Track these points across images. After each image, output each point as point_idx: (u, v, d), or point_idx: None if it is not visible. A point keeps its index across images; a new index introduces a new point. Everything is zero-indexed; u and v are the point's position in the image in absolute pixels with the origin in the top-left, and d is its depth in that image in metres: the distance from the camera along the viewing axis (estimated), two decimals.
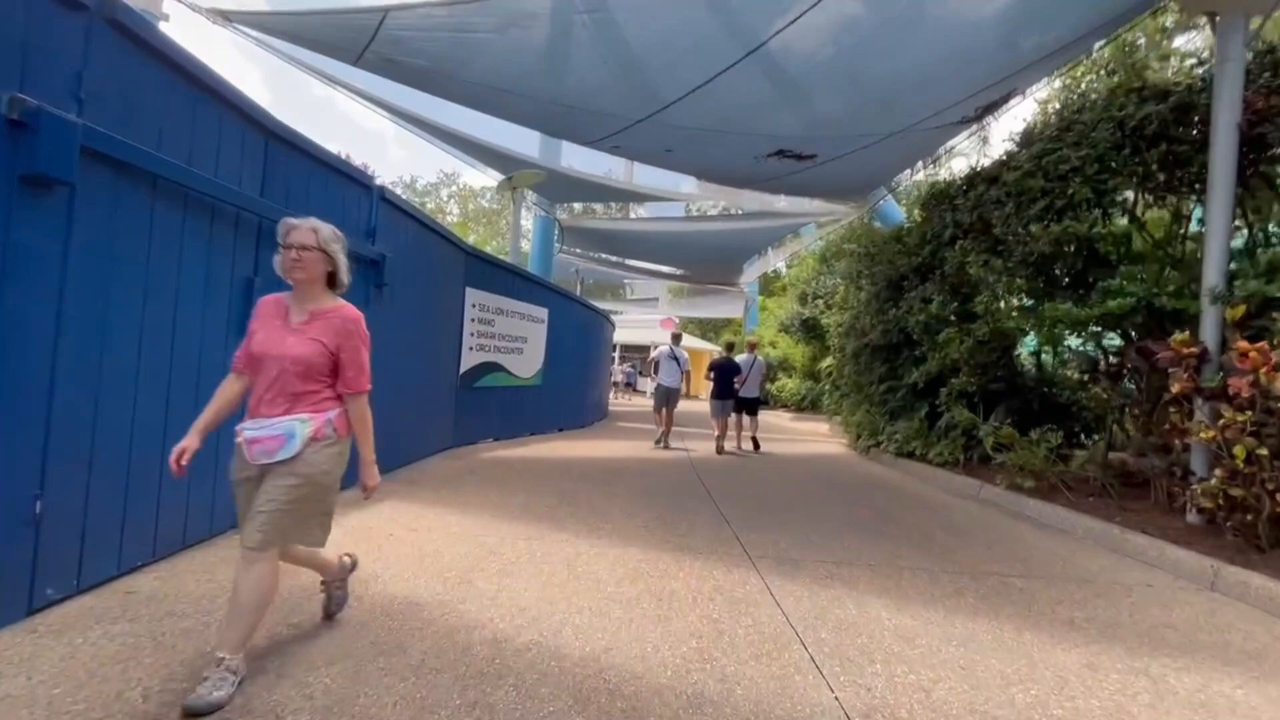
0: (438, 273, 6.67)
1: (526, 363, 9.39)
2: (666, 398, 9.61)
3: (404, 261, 5.62)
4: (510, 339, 8.83)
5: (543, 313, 9.84)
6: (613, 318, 17.17)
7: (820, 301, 18.30)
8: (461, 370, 7.60)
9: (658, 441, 9.40)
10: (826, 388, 15.09)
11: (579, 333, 11.76)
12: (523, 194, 10.65)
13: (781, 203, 17.27)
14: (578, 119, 7.97)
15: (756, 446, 9.69)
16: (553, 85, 7.13)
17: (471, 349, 7.80)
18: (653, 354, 10.57)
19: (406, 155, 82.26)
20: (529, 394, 9.61)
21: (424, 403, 6.41)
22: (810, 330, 18.91)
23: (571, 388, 11.41)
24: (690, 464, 7.87)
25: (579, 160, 13.58)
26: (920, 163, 14.77)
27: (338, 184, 4.51)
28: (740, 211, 16.14)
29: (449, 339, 7.22)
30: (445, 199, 40.17)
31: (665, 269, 27.10)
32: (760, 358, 9.98)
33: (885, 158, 9.58)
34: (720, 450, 9.12)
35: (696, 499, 5.64)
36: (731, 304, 30.09)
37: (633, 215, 19.90)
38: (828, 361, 14.92)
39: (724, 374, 9.32)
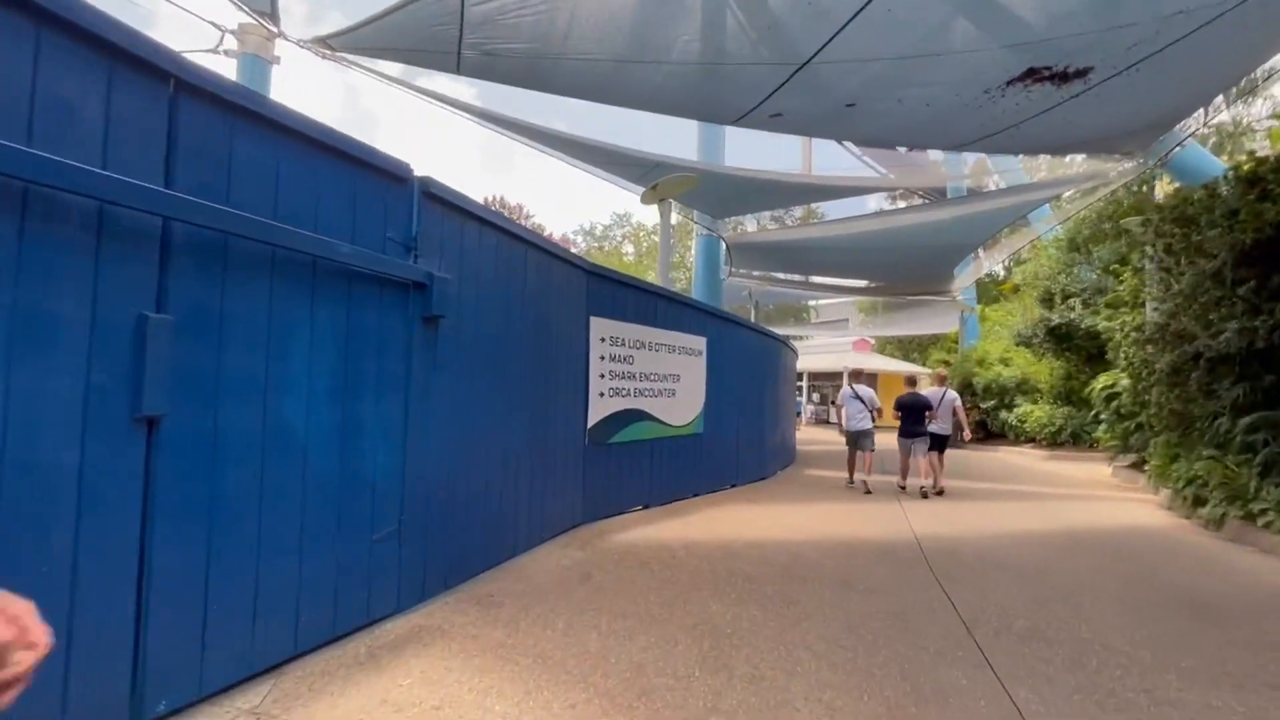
0: (542, 298, 5.11)
1: (681, 407, 7.48)
2: (857, 441, 8.98)
3: (479, 285, 4.09)
4: (656, 378, 7.01)
5: (699, 343, 7.91)
6: (797, 344, 14.76)
7: (1075, 301, 13.84)
8: (590, 424, 5.93)
9: (850, 483, 9.04)
10: (1106, 416, 10.90)
11: (749, 364, 9.60)
12: (669, 205, 8.98)
13: (1000, 180, 13.47)
14: (720, 86, 6.06)
15: (939, 489, 8.56)
16: (674, 37, 5.31)
17: (603, 395, 6.12)
18: (837, 398, 10.08)
19: (584, 199, 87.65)
20: (686, 446, 7.66)
21: (527, 474, 4.78)
22: (1062, 340, 14.40)
23: (743, 433, 9.23)
24: (919, 549, 5.22)
25: (744, 157, 11.64)
26: (1222, 95, 10.37)
27: (335, 170, 3.07)
28: (950, 195, 12.78)
29: (567, 385, 5.60)
30: (620, 239, 40.87)
31: (856, 283, 23.70)
32: (952, 390, 9.18)
33: (1186, 71, 6.12)
34: (903, 488, 8.67)
35: (948, 647, 3.14)
36: (941, 317, 25.47)
37: (813, 221, 17.19)
38: (1103, 381, 10.80)
39: (911, 411, 8.73)
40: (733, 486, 8.90)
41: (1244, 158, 6.52)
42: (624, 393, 6.44)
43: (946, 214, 13.02)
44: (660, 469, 7.12)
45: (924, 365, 29.39)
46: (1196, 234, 6.63)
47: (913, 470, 8.68)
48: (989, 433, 17.61)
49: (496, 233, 4.39)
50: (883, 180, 11.19)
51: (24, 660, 0.60)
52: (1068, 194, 16.41)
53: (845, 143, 21.83)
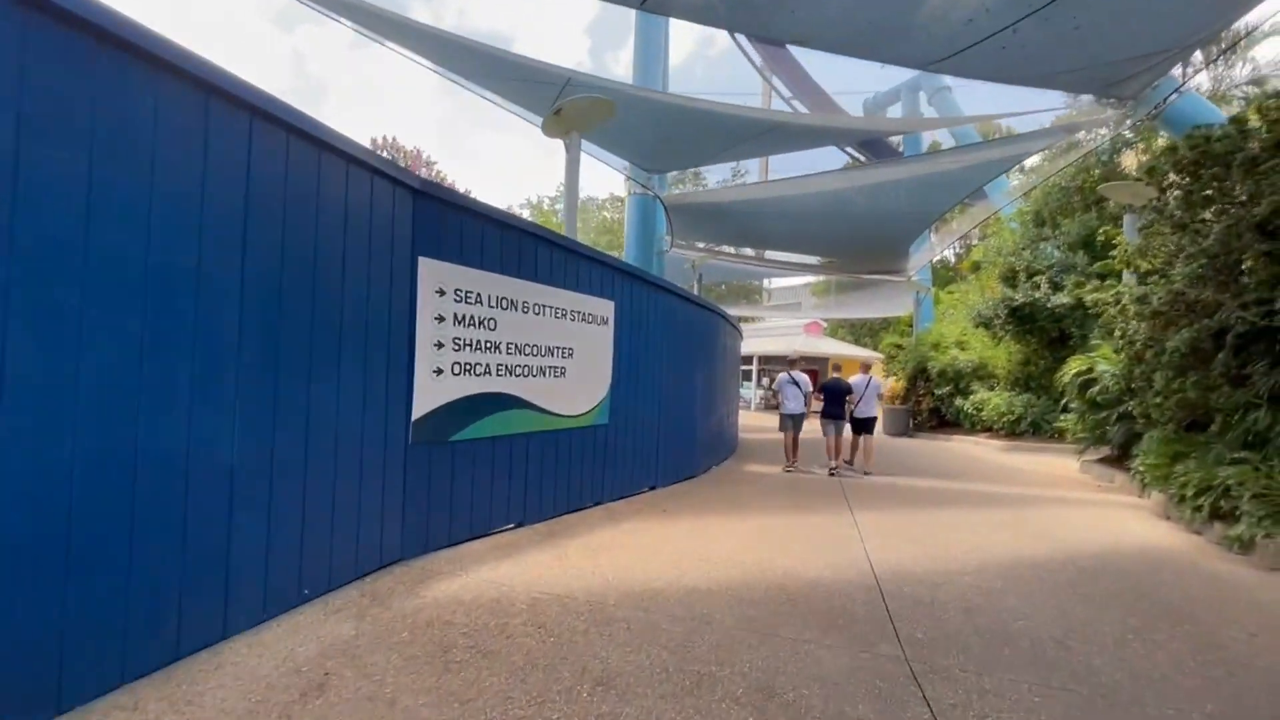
0: (308, 219, 3.20)
1: (575, 390, 5.68)
2: (791, 424, 9.50)
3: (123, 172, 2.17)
4: (536, 351, 5.18)
5: (603, 308, 6.10)
6: (749, 326, 13.28)
7: (1040, 279, 12.63)
8: (418, 413, 4.07)
9: (787, 468, 9.32)
10: (1077, 406, 9.67)
11: (678, 339, 7.87)
12: (577, 140, 7.09)
13: (951, 140, 12.12)
14: None
15: (850, 463, 9.47)
16: None
17: (440, 372, 4.25)
18: (774, 384, 10.45)
19: (537, 179, 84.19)
20: (584, 441, 5.88)
21: (254, 494, 2.90)
22: (1024, 321, 13.24)
23: (667, 423, 7.52)
24: (882, 601, 3.58)
25: (686, 82, 9.78)
26: (1201, 52, 9.13)
27: None
28: (902, 148, 11.33)
29: (370, 358, 3.71)
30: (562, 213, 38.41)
31: (809, 260, 22.34)
32: (876, 378, 9.79)
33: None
34: (832, 472, 8.99)
35: None
36: (895, 299, 24.45)
37: (763, 181, 15.33)
38: (1075, 366, 9.54)
39: (833, 394, 9.41)
40: (652, 489, 7.19)
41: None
42: (479, 370, 4.58)
43: (906, 172, 11.55)
44: (542, 473, 5.31)
45: (876, 349, 28.49)
46: (1227, 178, 5.19)
47: (834, 449, 9.20)
48: (943, 421, 16.53)
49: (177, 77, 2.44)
50: (854, 122, 9.59)
51: None
52: (1032, 160, 15.26)
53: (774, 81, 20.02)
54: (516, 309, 4.94)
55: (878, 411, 9.57)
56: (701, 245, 18.11)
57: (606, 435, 6.23)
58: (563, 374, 5.51)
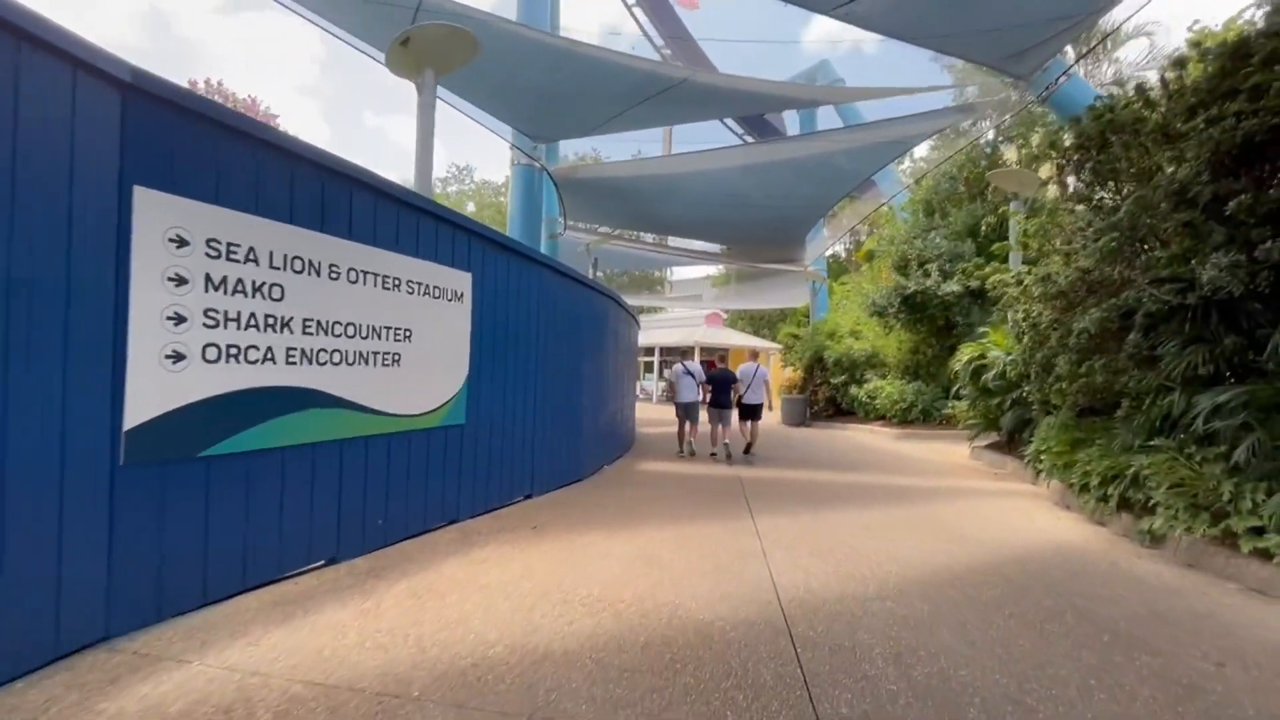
0: None
1: (413, 384, 4.46)
2: (686, 412, 9.91)
3: None
4: (353, 334, 3.92)
5: (456, 280, 4.90)
6: (650, 317, 12.54)
7: (931, 267, 12.73)
8: (139, 418, 2.74)
9: (681, 452, 9.81)
10: (968, 393, 9.61)
11: (560, 323, 6.80)
12: (431, 80, 5.79)
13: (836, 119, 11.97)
14: None
15: (749, 449, 9.73)
16: None
17: (182, 358, 2.94)
18: (669, 374, 10.97)
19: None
20: (429, 447, 4.68)
21: None
22: (916, 309, 13.35)
23: (546, 421, 6.44)
24: (792, 647, 2.73)
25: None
26: (1071, 47, 9.23)
27: None
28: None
29: (29, 336, 2.36)
30: (456, 196, 36.08)
31: (709, 248, 21.98)
32: (763, 367, 10.08)
33: None
34: (714, 454, 9.36)
35: None
36: (792, 289, 24.73)
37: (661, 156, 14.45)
38: (968, 352, 9.46)
39: (720, 384, 9.62)
40: (527, 498, 6.10)
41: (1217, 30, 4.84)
42: (256, 355, 3.28)
43: (804, 150, 11.14)
44: (366, 491, 4.08)
45: (775, 339, 28.86)
46: (1134, 147, 4.88)
47: (721, 435, 9.46)
48: (839, 410, 16.60)
49: None
50: (765, 86, 8.89)
51: None
52: (921, 150, 15.54)
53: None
54: (320, 275, 3.67)
55: (764, 398, 9.78)
56: (601, 230, 17.10)
57: (463, 438, 5.06)
58: (396, 362, 4.28)
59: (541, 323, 6.34)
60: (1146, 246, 4.82)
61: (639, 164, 10.98)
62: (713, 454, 9.35)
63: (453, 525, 4.96)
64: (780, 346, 23.25)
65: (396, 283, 4.26)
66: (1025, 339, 6.17)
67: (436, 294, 4.67)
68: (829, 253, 23.72)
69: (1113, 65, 13.20)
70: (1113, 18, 9.26)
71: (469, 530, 4.82)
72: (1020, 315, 6.30)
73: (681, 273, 40.43)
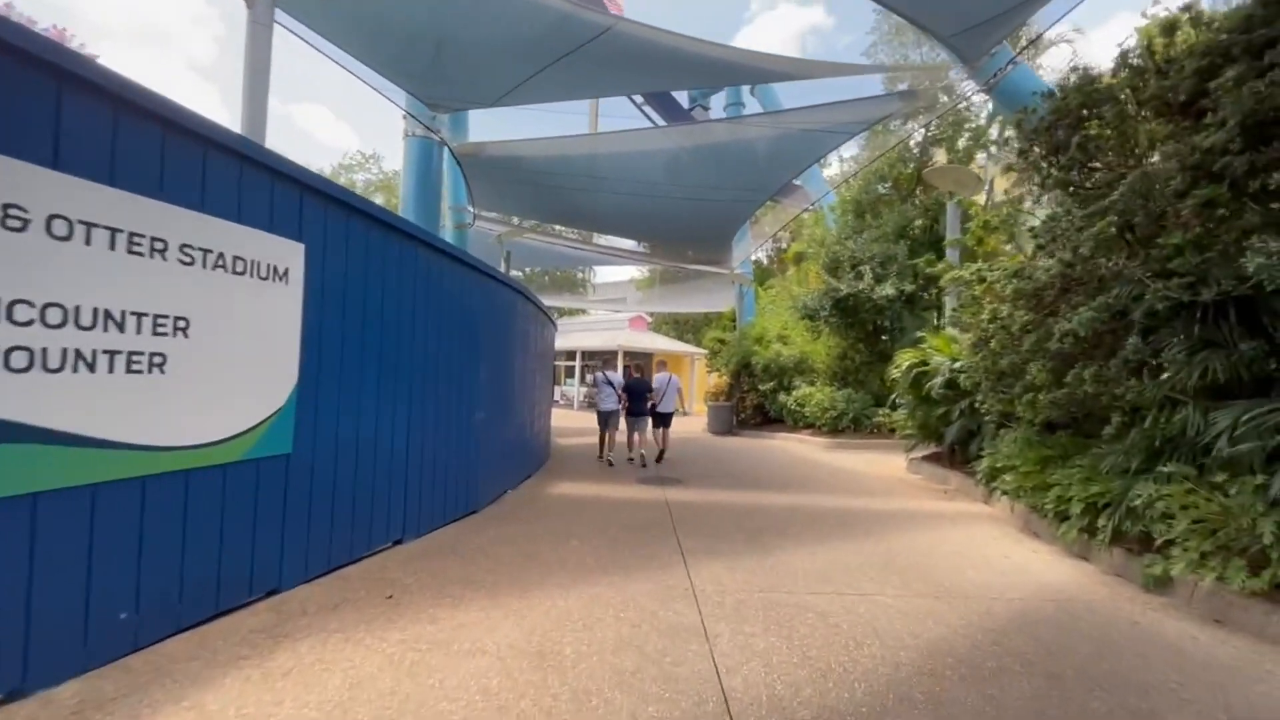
0: None
1: (188, 398, 2.98)
2: (606, 421, 9.94)
3: None
4: (61, 321, 2.43)
5: (278, 252, 3.45)
6: (571, 320, 11.44)
7: (865, 269, 12.20)
8: None
9: (600, 457, 9.93)
10: (906, 401, 8.98)
11: (448, 319, 5.41)
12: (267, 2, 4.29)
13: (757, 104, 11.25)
14: None
15: (661, 457, 9.88)
16: None
17: None
18: (589, 380, 11.87)
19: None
20: (219, 489, 3.20)
21: None
22: (848, 313, 12.80)
23: (425, 442, 5.04)
24: None
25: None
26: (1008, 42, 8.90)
27: None
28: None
29: None
30: (364, 187, 33.22)
31: (632, 246, 20.92)
32: (675, 376, 10.23)
33: None
34: (632, 460, 9.65)
35: None
36: (718, 293, 24.10)
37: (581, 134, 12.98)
38: (909, 358, 8.81)
39: (636, 393, 9.78)
40: (397, 543, 4.68)
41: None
42: None
43: (728, 134, 10.25)
44: (94, 571, 2.58)
45: (700, 344, 28.23)
46: (1132, 122, 4.15)
47: (633, 443, 9.77)
48: (767, 418, 15.92)
49: None
50: (728, 54, 7.81)
51: None
52: (849, 149, 15.15)
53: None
54: None
55: (676, 406, 10.17)
56: (515, 222, 15.63)
57: (289, 473, 3.60)
58: (158, 367, 2.80)
59: (421, 316, 4.94)
60: (1138, 235, 4.10)
61: (553, 144, 9.71)
62: (630, 459, 9.70)
63: (273, 596, 3.50)
64: (705, 352, 22.55)
65: (160, 247, 2.79)
66: (993, 342, 5.40)
67: (239, 269, 3.21)
68: (752, 257, 23.30)
69: (1039, 71, 13.35)
70: (1041, 16, 8.89)
71: (290, 607, 3.38)
72: (986, 316, 5.56)
73: (605, 274, 39.32)
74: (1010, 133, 5.47)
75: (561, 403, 26.93)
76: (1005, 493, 5.93)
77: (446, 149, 9.70)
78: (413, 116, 9.00)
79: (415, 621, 3.24)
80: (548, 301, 17.33)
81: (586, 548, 4.78)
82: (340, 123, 77.65)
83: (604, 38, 6.41)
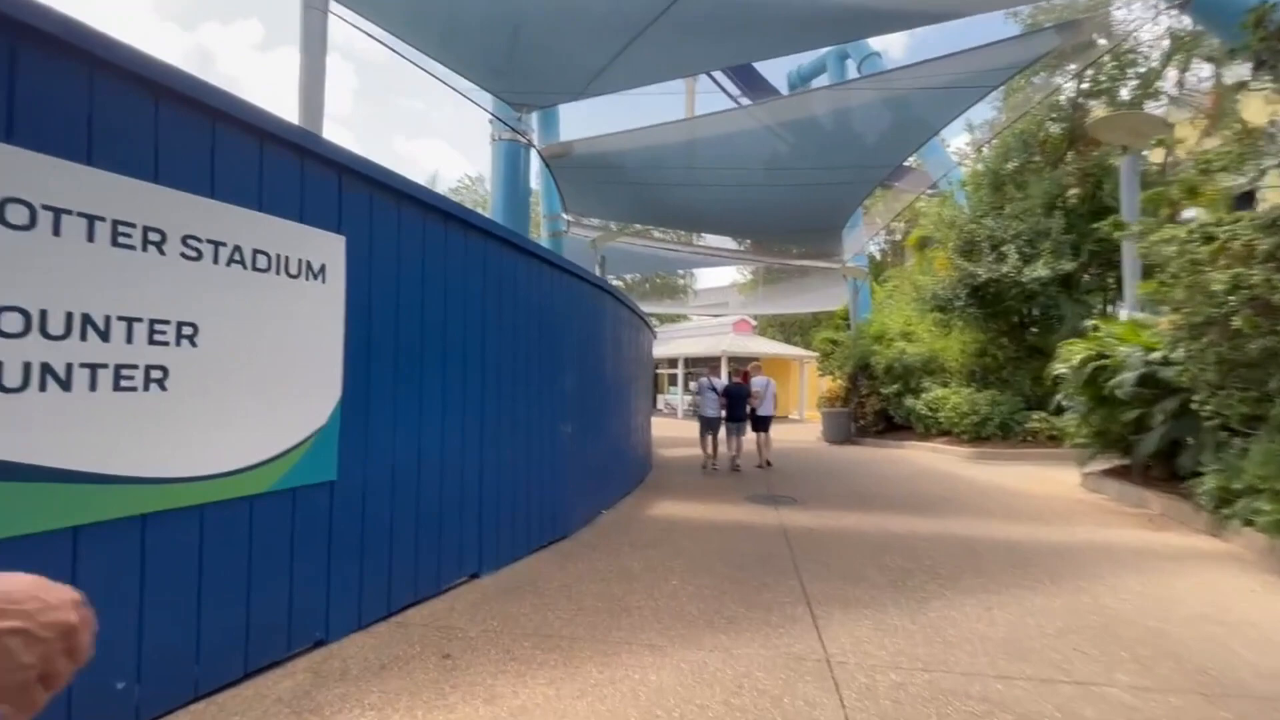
0: None
1: (197, 419, 2.49)
2: (709, 427, 9.70)
3: None
4: (22, 328, 1.98)
5: (311, 245, 2.95)
6: (678, 326, 11.30)
7: (1009, 249, 10.41)
8: None
9: (705, 466, 9.64)
10: (1077, 403, 7.33)
11: (528, 323, 4.83)
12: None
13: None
14: None
15: (766, 463, 9.79)
16: None
17: None
18: (693, 388, 11.60)
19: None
20: (244, 527, 2.70)
21: None
22: (989, 303, 11.02)
23: (504, 462, 4.45)
24: None
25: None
26: None
27: None
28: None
29: None
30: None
31: (732, 246, 19.89)
32: (772, 380, 10.23)
33: None
34: (734, 467, 9.48)
35: None
36: (826, 291, 22.48)
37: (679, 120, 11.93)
38: (1080, 350, 7.19)
39: (735, 398, 9.64)
40: (473, 578, 4.11)
41: None
42: None
43: (847, 102, 9.03)
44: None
45: (809, 347, 26.55)
46: None
47: (737, 449, 9.63)
48: (892, 424, 14.25)
49: None
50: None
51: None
52: (980, 112, 13.32)
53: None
54: None
55: (774, 410, 10.17)
56: (610, 227, 15.21)
57: (333, 503, 3.08)
58: (158, 383, 2.32)
59: (492, 318, 4.36)
60: None
61: (644, 135, 9.04)
62: (732, 467, 9.54)
63: (319, 649, 2.98)
64: (816, 354, 20.98)
65: (155, 239, 2.32)
66: (1237, 319, 3.93)
67: (261, 265, 2.71)
68: (866, 244, 21.43)
69: None
70: None
71: (330, 666, 2.82)
72: (1222, 286, 4.06)
73: (705, 280, 38.39)
74: (1199, 73, 4.00)
75: (665, 412, 26.30)
76: (1252, 523, 4.37)
77: (534, 150, 9.34)
78: (498, 119, 8.69)
79: (469, 698, 2.55)
80: (648, 308, 16.77)
81: (688, 589, 3.93)
82: (454, 152, 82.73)
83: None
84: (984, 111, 14.07)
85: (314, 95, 3.88)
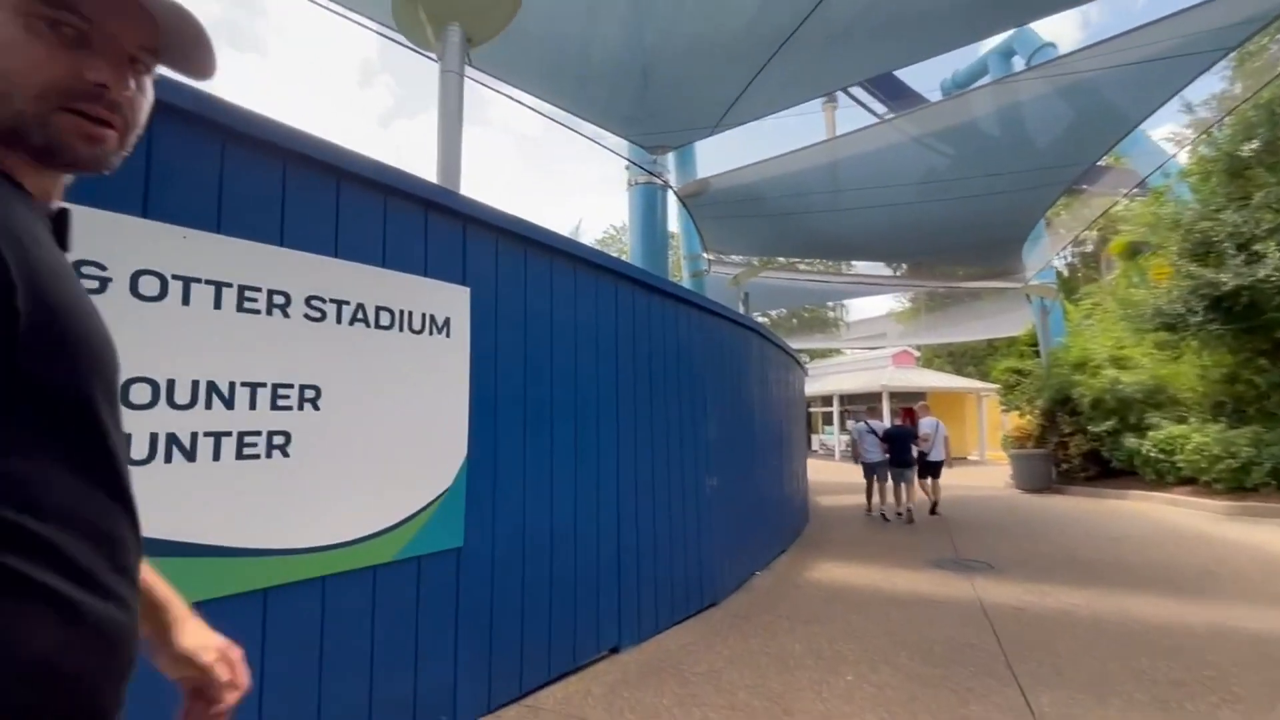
0: None
1: (321, 486, 2.37)
2: (873, 473, 9.24)
3: None
4: (151, 399, 1.96)
5: (436, 299, 2.84)
6: (830, 361, 10.85)
7: (1269, 245, 8.19)
8: None
9: (869, 511, 9.20)
10: None
11: (664, 367, 4.48)
12: (457, 43, 4.07)
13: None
14: None
15: (934, 509, 9.07)
16: None
17: None
18: (850, 429, 11.02)
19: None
20: (367, 600, 2.53)
21: None
22: (1238, 317, 8.73)
23: (638, 524, 4.07)
24: None
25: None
26: None
27: None
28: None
29: None
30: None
31: (885, 273, 18.35)
32: (941, 423, 9.43)
33: None
34: (906, 518, 8.58)
35: None
36: (1003, 315, 19.88)
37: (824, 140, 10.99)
38: None
39: (899, 440, 8.98)
40: (613, 652, 3.72)
41: None
42: None
43: (1030, 92, 7.81)
44: None
45: (983, 378, 23.53)
46: None
47: (904, 498, 8.78)
48: (1106, 469, 11.81)
49: None
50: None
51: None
52: (1200, 88, 11.04)
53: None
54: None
55: (945, 455, 9.42)
56: (751, 262, 14.70)
57: (461, 572, 2.86)
58: (280, 449, 2.24)
59: (625, 364, 4.06)
60: None
61: (783, 162, 8.51)
62: (897, 514, 8.82)
63: None
64: (995, 387, 18.42)
65: (280, 302, 2.28)
66: None
67: (385, 322, 2.62)
68: (1056, 256, 18.69)
69: None
70: None
71: None
72: None
73: (858, 311, 36.09)
74: None
75: (820, 453, 24.65)
76: None
77: (670, 192, 9.22)
78: (633, 163, 8.72)
79: None
80: (796, 345, 15.82)
81: (865, 690, 3.18)
82: (603, 202, 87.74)
83: None
84: (1207, 85, 11.60)
85: (450, 158, 3.94)
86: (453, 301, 2.93)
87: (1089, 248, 35.96)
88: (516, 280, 3.30)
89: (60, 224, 0.62)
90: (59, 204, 0.64)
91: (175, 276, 2.02)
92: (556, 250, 3.56)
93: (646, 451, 4.20)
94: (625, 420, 4.01)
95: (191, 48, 0.65)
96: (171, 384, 1.99)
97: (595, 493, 3.71)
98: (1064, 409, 12.60)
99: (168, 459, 1.96)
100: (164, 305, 1.99)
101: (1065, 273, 31.03)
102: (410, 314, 2.73)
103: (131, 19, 0.60)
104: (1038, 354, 16.16)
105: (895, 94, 17.18)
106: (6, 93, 0.55)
